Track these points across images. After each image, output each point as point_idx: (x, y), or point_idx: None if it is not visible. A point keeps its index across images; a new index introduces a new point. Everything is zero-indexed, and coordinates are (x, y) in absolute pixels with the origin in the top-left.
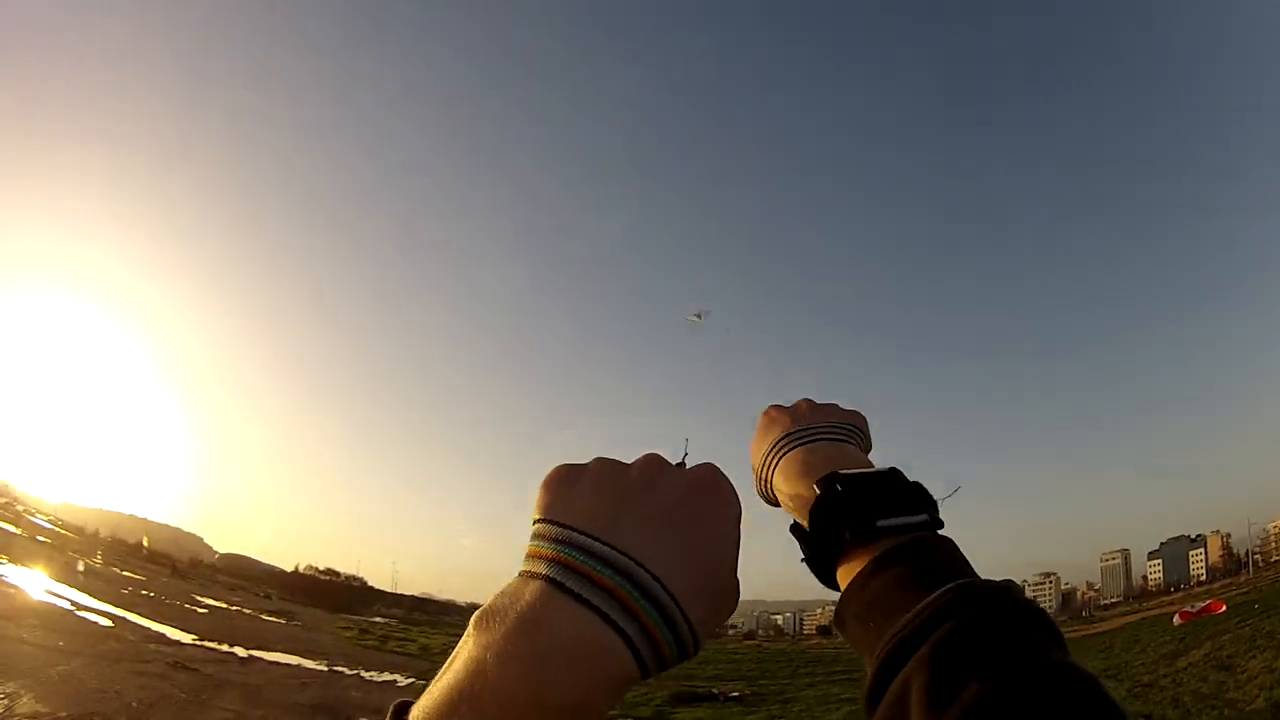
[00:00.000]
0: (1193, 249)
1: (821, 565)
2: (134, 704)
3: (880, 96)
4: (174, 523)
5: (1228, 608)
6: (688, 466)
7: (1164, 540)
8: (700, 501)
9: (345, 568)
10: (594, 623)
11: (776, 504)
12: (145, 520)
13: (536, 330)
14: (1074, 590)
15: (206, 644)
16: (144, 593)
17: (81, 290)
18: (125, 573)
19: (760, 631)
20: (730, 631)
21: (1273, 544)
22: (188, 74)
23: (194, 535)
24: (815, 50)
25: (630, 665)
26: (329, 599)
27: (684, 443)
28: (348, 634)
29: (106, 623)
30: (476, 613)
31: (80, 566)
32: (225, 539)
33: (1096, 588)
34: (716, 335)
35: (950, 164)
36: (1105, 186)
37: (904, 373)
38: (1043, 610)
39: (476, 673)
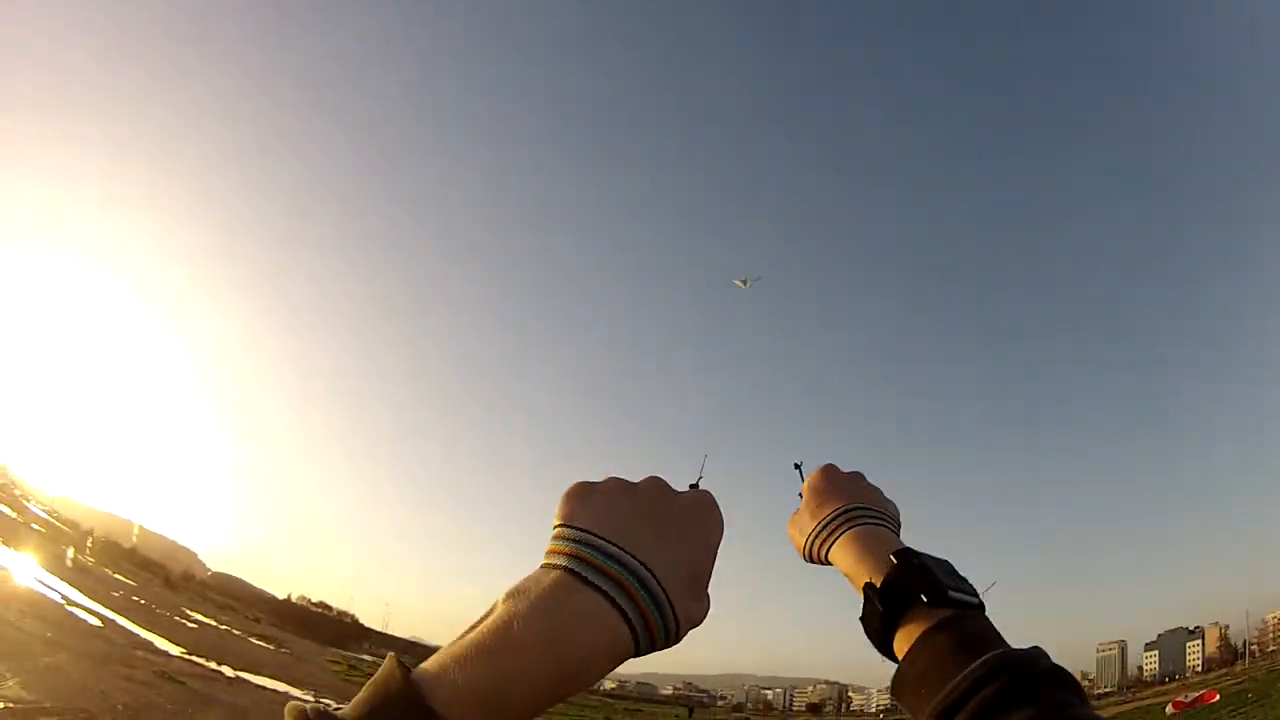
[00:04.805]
0: (1201, 344)
1: (887, 622)
2: (119, 706)
3: None
4: (169, 534)
5: (1221, 697)
6: (699, 485)
7: (1161, 632)
8: (691, 521)
9: (338, 604)
10: (601, 603)
11: (814, 562)
12: (140, 526)
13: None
14: None
15: (194, 658)
16: (134, 598)
17: (118, 280)
18: (116, 575)
19: (749, 705)
20: (719, 703)
21: (1270, 634)
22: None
23: (188, 549)
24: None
25: (628, 639)
26: (319, 632)
27: (702, 459)
28: (336, 668)
29: (96, 622)
30: (506, 590)
31: (70, 554)
32: (219, 558)
33: (1091, 677)
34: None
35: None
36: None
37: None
38: (1068, 672)
39: (502, 631)
